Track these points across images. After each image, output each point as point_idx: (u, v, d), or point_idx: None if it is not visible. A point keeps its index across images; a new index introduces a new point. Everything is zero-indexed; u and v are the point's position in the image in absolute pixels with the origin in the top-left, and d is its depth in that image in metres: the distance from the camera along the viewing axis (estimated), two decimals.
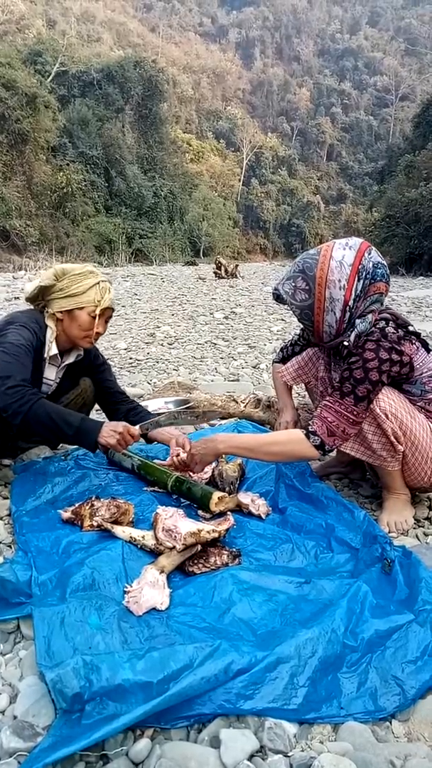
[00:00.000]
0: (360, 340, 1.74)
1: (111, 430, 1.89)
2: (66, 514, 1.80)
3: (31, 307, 2.17)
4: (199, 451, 1.91)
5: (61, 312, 2.08)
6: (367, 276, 1.71)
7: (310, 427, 1.74)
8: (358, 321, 1.73)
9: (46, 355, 2.09)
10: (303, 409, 2.63)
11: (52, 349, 2.09)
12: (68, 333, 2.11)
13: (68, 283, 2.06)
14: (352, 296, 1.71)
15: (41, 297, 2.11)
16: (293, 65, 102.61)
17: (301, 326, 1.93)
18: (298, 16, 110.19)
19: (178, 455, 2.04)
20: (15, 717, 1.06)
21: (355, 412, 1.71)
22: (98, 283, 2.08)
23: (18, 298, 9.67)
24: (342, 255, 1.70)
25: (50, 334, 2.08)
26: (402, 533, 1.87)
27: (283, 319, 7.53)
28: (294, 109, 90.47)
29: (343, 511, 1.85)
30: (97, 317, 2.08)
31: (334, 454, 2.38)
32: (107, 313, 2.14)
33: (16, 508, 1.90)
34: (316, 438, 1.73)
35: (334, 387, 1.77)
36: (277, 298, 1.86)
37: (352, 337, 1.73)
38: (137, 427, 1.97)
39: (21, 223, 25.09)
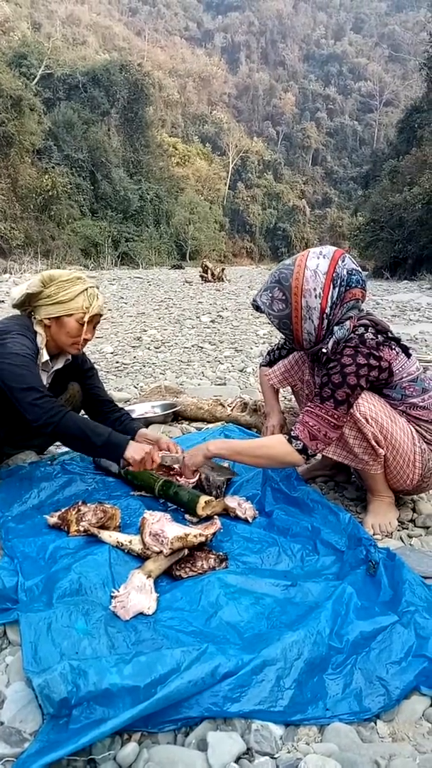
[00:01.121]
0: (339, 346, 1.76)
1: (140, 447, 1.94)
2: (52, 520, 1.80)
3: (18, 312, 2.16)
4: (190, 453, 1.97)
5: (49, 319, 2.05)
6: (342, 283, 1.74)
7: (292, 432, 1.77)
8: (336, 328, 1.76)
9: (39, 362, 2.07)
10: (289, 412, 2.65)
11: (43, 355, 2.07)
12: (56, 339, 2.10)
13: (56, 290, 2.02)
14: (329, 304, 1.74)
15: (28, 303, 2.08)
16: (278, 70, 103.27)
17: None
18: (283, 22, 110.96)
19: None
20: (2, 723, 1.06)
21: (335, 416, 1.73)
22: (86, 289, 2.05)
23: (3, 301, 9.61)
24: (316, 264, 1.74)
25: (40, 341, 2.07)
26: (386, 535, 1.89)
27: (269, 323, 7.55)
28: (279, 114, 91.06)
29: (329, 513, 1.87)
30: (86, 324, 2.06)
31: (319, 457, 2.40)
32: (96, 320, 2.13)
33: (1, 513, 1.89)
34: (299, 442, 1.74)
35: (314, 393, 1.80)
36: (257, 308, 1.88)
37: (330, 345, 1.76)
38: (160, 455, 2.01)
39: (6, 226, 24.92)
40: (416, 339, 6.13)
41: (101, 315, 2.14)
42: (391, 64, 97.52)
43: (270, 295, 1.80)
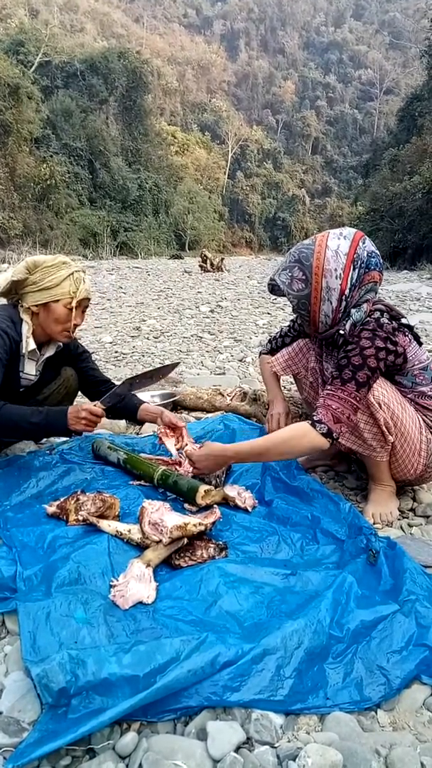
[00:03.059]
0: (356, 329, 1.75)
1: (75, 417, 1.93)
2: (51, 509, 1.79)
3: (4, 301, 2.12)
4: (204, 465, 1.91)
5: (36, 306, 2.02)
6: (362, 265, 1.72)
7: (314, 417, 1.71)
8: (353, 310, 1.74)
9: (24, 351, 2.05)
10: (290, 401, 2.63)
11: (30, 344, 2.04)
12: (45, 327, 2.06)
13: (41, 276, 1.99)
14: (348, 285, 1.71)
15: (14, 291, 2.05)
16: (278, 58, 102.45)
17: (293, 317, 1.93)
18: (283, 9, 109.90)
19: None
20: (1, 712, 1.06)
21: (357, 398, 1.70)
22: (72, 273, 2.02)
23: None
24: (337, 244, 1.71)
25: (26, 330, 2.03)
26: (387, 524, 1.88)
27: (269, 313, 7.54)
28: (279, 102, 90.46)
29: (329, 503, 1.86)
30: (74, 309, 2.03)
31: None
32: (84, 304, 2.09)
33: (0, 503, 1.88)
34: (323, 426, 1.68)
35: (333, 376, 1.76)
36: (272, 289, 1.86)
37: (347, 326, 1.74)
38: (98, 404, 1.99)
39: (4, 216, 24.82)
40: (416, 329, 6.11)
41: (89, 299, 2.11)
42: (391, 52, 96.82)
43: (290, 274, 1.76)
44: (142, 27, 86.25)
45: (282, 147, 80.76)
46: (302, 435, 1.71)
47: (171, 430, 2.17)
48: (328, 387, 1.74)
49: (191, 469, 2.10)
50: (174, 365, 2.30)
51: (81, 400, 2.52)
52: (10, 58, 28.81)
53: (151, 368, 2.53)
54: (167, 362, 4.53)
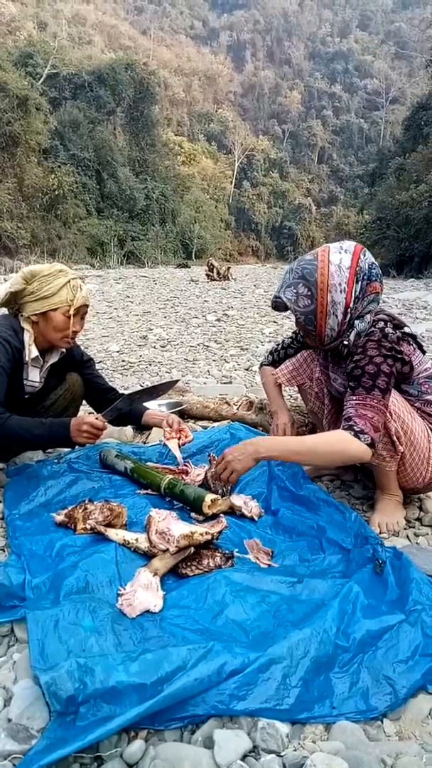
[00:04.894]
0: (360, 339, 1.76)
1: (77, 430, 1.96)
2: (59, 518, 1.80)
3: (5, 311, 2.15)
4: (235, 456, 1.75)
5: (35, 315, 2.05)
6: (364, 277, 1.74)
7: (355, 427, 1.65)
8: (356, 321, 1.76)
9: (27, 359, 2.07)
10: (295, 411, 2.64)
11: (32, 352, 2.07)
12: (45, 335, 2.09)
13: (39, 286, 2.02)
14: (353, 298, 1.73)
15: (13, 301, 2.08)
16: (284, 68, 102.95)
17: (295, 329, 1.94)
18: (288, 20, 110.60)
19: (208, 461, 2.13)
20: (9, 720, 1.07)
21: (384, 404, 1.69)
22: (69, 281, 2.04)
23: None
24: (339, 258, 1.73)
25: (28, 338, 2.06)
26: (393, 534, 1.88)
27: (275, 322, 7.55)
28: (285, 112, 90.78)
29: (335, 512, 1.87)
30: (72, 316, 2.05)
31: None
32: (82, 310, 2.12)
33: (9, 511, 1.90)
34: (367, 436, 1.64)
35: (351, 386, 1.73)
36: (276, 306, 1.86)
37: (352, 336, 1.75)
38: (99, 417, 2.02)
39: (12, 226, 24.99)
40: (423, 337, 6.10)
41: (87, 305, 2.14)
42: (397, 62, 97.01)
43: (295, 291, 1.77)
44: (149, 39, 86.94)
45: (288, 156, 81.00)
46: (346, 441, 1.64)
47: (175, 432, 2.21)
48: (354, 397, 1.70)
49: (197, 477, 2.12)
50: (174, 382, 2.35)
51: (86, 409, 2.56)
52: (19, 70, 29.08)
53: (150, 385, 2.58)
54: (174, 371, 4.55)
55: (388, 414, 1.74)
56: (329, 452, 1.68)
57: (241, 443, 1.78)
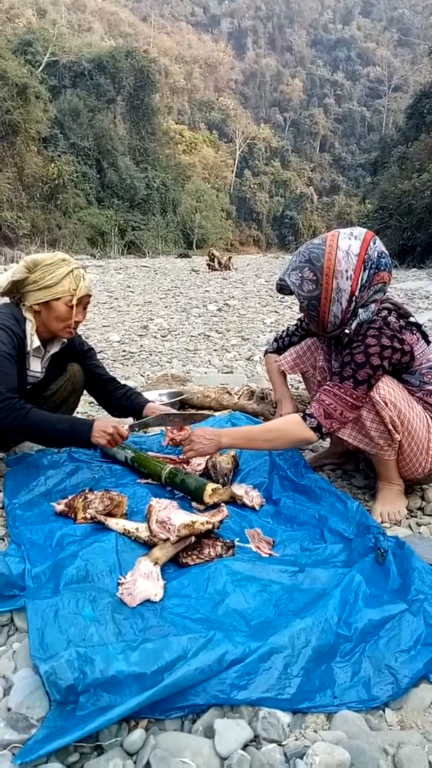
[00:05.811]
0: (362, 328, 1.74)
1: (101, 431, 1.91)
2: (59, 507, 1.80)
3: (6, 300, 2.13)
4: (201, 443, 1.86)
5: (37, 304, 2.03)
6: (372, 266, 1.72)
7: (307, 410, 1.75)
8: (361, 310, 1.74)
9: (29, 349, 2.06)
10: (298, 400, 2.63)
11: (34, 342, 2.06)
12: (47, 325, 2.08)
13: (41, 275, 2.00)
14: (359, 286, 1.71)
15: (16, 290, 2.06)
16: (286, 55, 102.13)
17: (300, 316, 1.93)
18: (290, 6, 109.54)
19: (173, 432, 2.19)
20: (9, 709, 1.06)
21: (354, 396, 1.70)
22: (71, 271, 2.03)
23: None
24: (348, 245, 1.70)
25: (30, 327, 2.05)
26: (395, 523, 1.88)
27: (276, 311, 7.52)
28: (287, 100, 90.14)
29: (337, 501, 1.86)
30: (75, 306, 2.04)
31: (327, 445, 2.38)
32: (85, 301, 2.10)
33: (9, 500, 1.89)
34: (313, 420, 1.72)
35: (334, 372, 1.77)
36: (281, 289, 1.84)
37: (353, 326, 1.74)
38: (127, 427, 1.98)
39: (12, 215, 24.84)
40: (425, 327, 6.08)
41: (90, 295, 2.12)
42: (400, 49, 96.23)
43: (300, 274, 1.75)
44: (150, 26, 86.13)
45: (290, 145, 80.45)
46: (291, 425, 1.76)
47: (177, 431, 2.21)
48: (327, 383, 1.77)
49: (198, 466, 2.11)
50: (207, 416, 2.28)
51: (86, 399, 2.54)
52: (18, 58, 28.79)
53: (187, 412, 2.59)
54: (175, 361, 4.53)
55: (383, 403, 1.74)
56: (277, 436, 1.80)
57: (210, 430, 1.89)
